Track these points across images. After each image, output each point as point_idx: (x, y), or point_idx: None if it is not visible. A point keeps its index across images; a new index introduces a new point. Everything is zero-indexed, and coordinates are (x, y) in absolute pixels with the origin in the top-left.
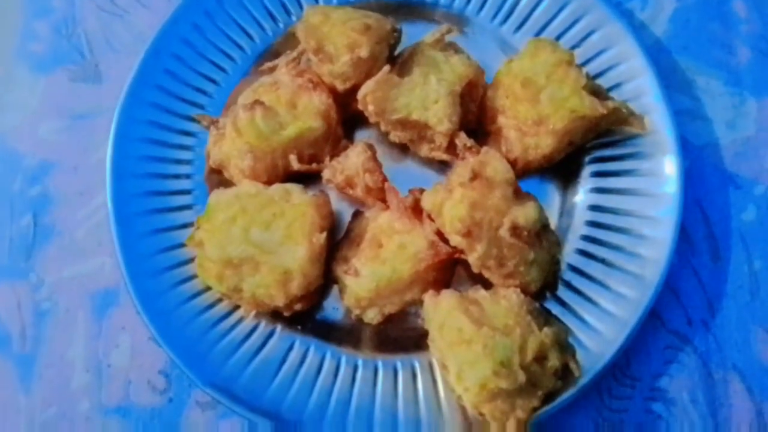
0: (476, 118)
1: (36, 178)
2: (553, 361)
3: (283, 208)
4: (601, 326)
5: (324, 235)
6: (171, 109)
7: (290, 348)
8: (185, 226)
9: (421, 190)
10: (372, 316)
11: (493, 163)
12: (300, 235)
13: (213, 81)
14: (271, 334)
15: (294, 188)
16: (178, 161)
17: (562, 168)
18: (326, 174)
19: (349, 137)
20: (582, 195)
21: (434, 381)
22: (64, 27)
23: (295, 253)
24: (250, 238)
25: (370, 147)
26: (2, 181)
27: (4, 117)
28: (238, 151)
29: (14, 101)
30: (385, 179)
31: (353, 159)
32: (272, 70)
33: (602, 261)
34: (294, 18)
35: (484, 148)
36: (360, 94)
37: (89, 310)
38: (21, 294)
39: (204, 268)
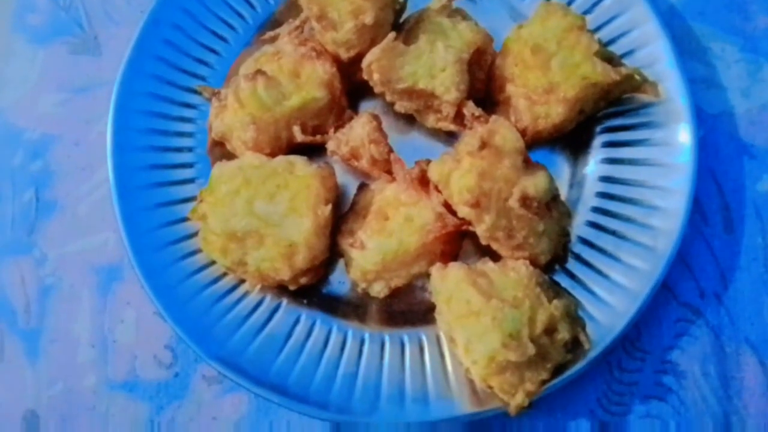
0: (485, 87)
1: (37, 152)
2: (563, 333)
3: (287, 180)
4: (612, 299)
5: (329, 207)
6: (172, 81)
7: (296, 322)
8: (188, 199)
9: (428, 162)
10: (378, 290)
11: (503, 132)
12: (305, 207)
13: (214, 51)
14: (276, 308)
15: (298, 160)
16: (180, 134)
17: (573, 138)
18: (331, 145)
19: (354, 108)
20: (593, 166)
21: (442, 355)
22: None
23: (300, 226)
24: (254, 211)
25: (376, 117)
26: (3, 156)
27: (3, 91)
28: (240, 122)
29: (13, 75)
30: (390, 150)
31: (358, 130)
32: (274, 39)
33: (613, 233)
34: None
35: (493, 117)
36: (365, 63)
37: (94, 285)
38: (25, 269)
39: (208, 241)
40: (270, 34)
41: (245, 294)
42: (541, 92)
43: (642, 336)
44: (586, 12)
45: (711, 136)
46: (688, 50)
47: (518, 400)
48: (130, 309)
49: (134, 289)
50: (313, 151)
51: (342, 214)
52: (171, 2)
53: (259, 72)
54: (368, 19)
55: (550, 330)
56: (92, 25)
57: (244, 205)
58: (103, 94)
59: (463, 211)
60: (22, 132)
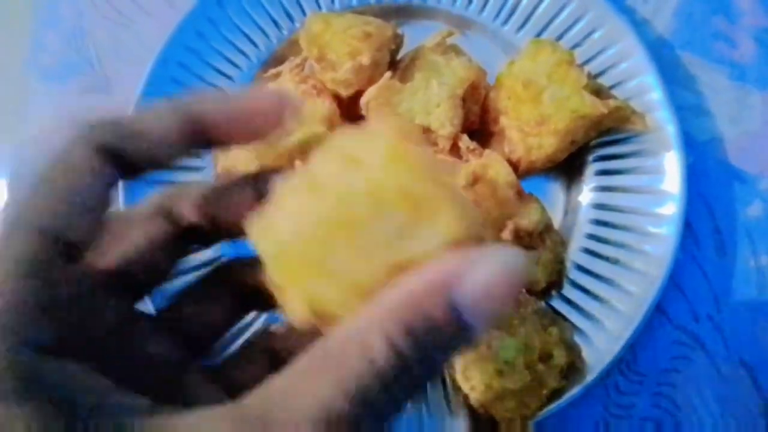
0: (479, 119)
1: None
2: (559, 359)
3: None
4: (607, 323)
5: None
6: None
7: None
8: None
9: None
10: None
11: (495, 166)
12: None
13: (219, 89)
14: None
15: None
16: (187, 168)
17: (566, 167)
18: None
19: None
20: (586, 193)
21: (443, 380)
22: (73, 39)
23: None
24: None
25: None
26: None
27: (20, 129)
28: (244, 158)
29: (28, 113)
30: None
31: None
32: (276, 76)
33: (607, 259)
34: (297, 24)
35: (486, 151)
36: (363, 101)
37: None
38: None
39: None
40: (272, 71)
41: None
42: (533, 125)
43: (638, 359)
44: (576, 45)
45: (701, 162)
46: (676, 79)
47: (516, 425)
48: None
49: None
50: None
51: None
52: (178, 42)
53: None
54: (365, 60)
55: (545, 356)
56: (103, 64)
57: None
58: None
59: None
60: None
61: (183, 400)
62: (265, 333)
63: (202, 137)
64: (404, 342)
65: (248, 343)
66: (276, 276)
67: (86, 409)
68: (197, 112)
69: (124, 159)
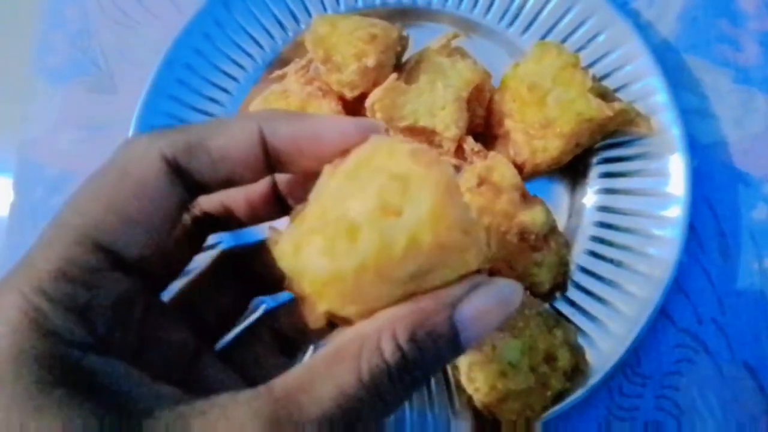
0: (484, 122)
1: (56, 188)
2: (563, 361)
3: None
4: (611, 325)
5: None
6: (185, 119)
7: None
8: None
9: None
10: None
11: (500, 169)
12: None
13: (225, 90)
14: None
15: None
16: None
17: (571, 169)
18: None
19: None
20: (590, 196)
21: (447, 381)
22: (79, 39)
23: None
24: None
25: None
26: (24, 192)
27: (24, 128)
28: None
29: (33, 113)
30: None
31: None
32: (282, 77)
33: (611, 261)
34: (302, 25)
35: (491, 153)
36: (368, 103)
37: None
38: None
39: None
40: (278, 73)
41: None
42: (538, 127)
43: (642, 362)
44: (581, 48)
45: (705, 165)
46: (681, 82)
47: (520, 426)
48: None
49: None
50: None
51: None
52: (184, 44)
53: None
54: (370, 61)
55: (550, 358)
56: (109, 64)
57: None
58: (120, 131)
59: None
60: (41, 168)
61: (201, 384)
62: (269, 313)
63: (275, 160)
64: (408, 346)
65: (253, 324)
66: (299, 289)
67: (126, 400)
68: (270, 133)
69: (196, 180)
